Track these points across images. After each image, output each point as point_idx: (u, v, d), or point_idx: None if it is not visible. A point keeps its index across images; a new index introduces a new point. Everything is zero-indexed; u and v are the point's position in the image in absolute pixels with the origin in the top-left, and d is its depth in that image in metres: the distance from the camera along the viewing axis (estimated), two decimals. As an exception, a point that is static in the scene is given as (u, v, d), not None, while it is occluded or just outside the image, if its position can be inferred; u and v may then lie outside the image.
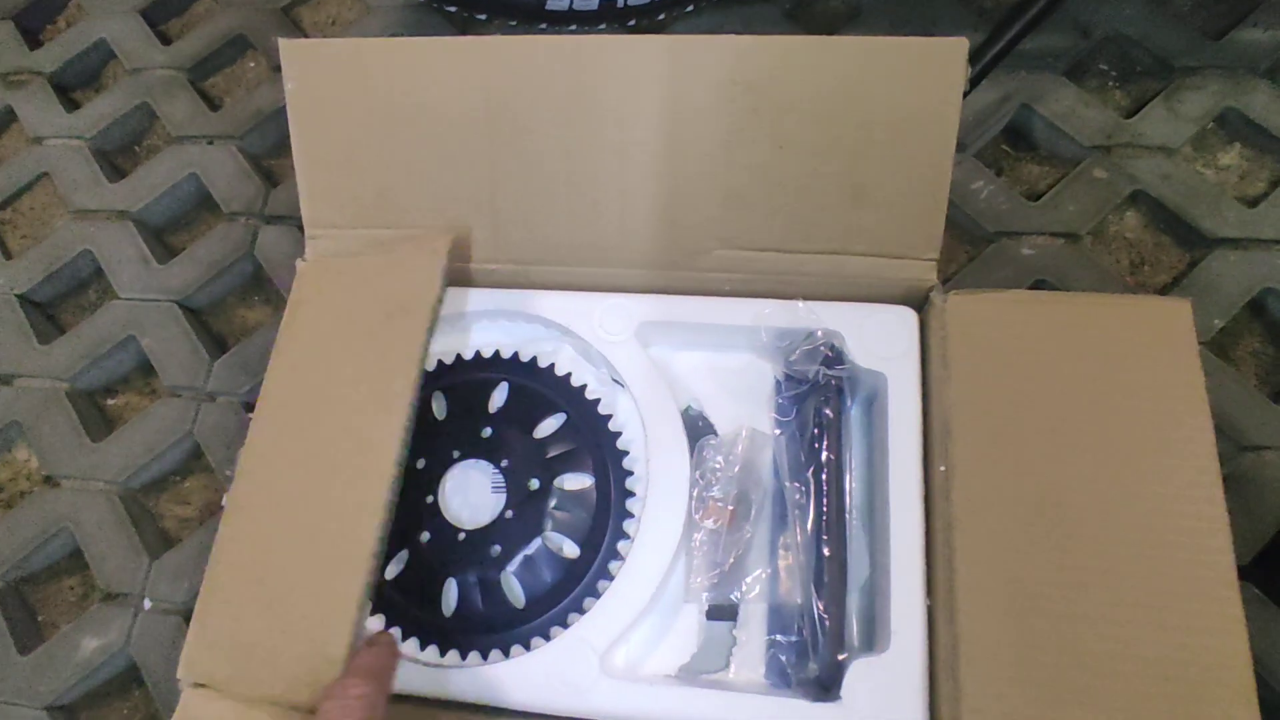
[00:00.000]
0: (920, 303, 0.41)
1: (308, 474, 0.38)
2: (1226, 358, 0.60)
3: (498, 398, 0.43)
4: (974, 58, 0.64)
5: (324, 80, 0.42)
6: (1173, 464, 0.36)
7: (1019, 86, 0.69)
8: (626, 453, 0.41)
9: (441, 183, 0.43)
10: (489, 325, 0.45)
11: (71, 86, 0.86)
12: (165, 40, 0.85)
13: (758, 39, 0.39)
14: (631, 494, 0.40)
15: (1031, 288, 0.62)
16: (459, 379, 0.44)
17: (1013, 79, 0.70)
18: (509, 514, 0.40)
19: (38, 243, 0.76)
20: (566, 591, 0.39)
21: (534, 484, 0.40)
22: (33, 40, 0.89)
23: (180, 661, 0.37)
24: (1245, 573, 0.53)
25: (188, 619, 0.59)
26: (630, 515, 0.40)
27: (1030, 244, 0.64)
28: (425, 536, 0.40)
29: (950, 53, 0.37)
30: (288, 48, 0.42)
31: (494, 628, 0.39)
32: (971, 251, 0.66)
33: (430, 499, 0.41)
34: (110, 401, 0.72)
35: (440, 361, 0.44)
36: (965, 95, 0.62)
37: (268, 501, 0.38)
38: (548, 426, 0.42)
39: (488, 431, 0.42)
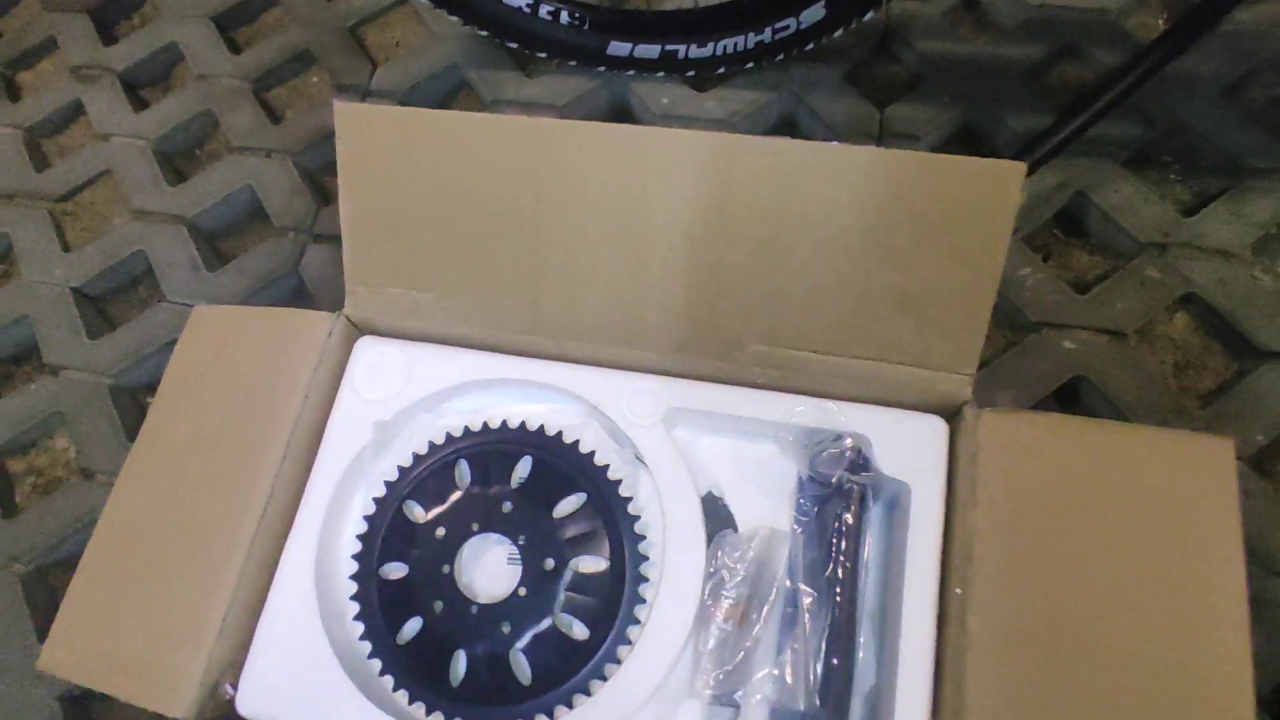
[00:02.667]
0: (952, 414, 0.41)
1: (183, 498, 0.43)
2: (1267, 476, 0.59)
3: (521, 470, 0.43)
4: (1034, 143, 0.63)
5: (376, 144, 0.43)
6: (1200, 610, 0.35)
7: (1077, 173, 0.68)
8: (644, 537, 0.41)
9: (483, 252, 0.43)
10: (520, 394, 0.46)
11: (140, 85, 0.89)
12: (234, 48, 0.87)
13: (813, 145, 0.39)
14: (646, 579, 0.40)
15: (1070, 383, 0.61)
16: (486, 447, 0.44)
17: (1071, 165, 0.69)
18: (522, 591, 0.40)
19: (95, 238, 0.78)
20: (573, 672, 0.39)
21: (549, 564, 0.41)
22: (107, 36, 0.92)
23: (45, 646, 0.42)
24: (1266, 704, 0.52)
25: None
26: (642, 601, 0.40)
27: (1073, 338, 0.63)
28: (439, 606, 0.41)
29: (1007, 175, 0.37)
30: (342, 111, 0.43)
31: (500, 702, 0.39)
32: (1011, 338, 0.65)
33: (446, 569, 0.42)
34: (148, 400, 0.74)
35: (467, 427, 0.45)
36: (1025, 179, 0.62)
37: (141, 515, 0.43)
38: (568, 505, 0.42)
39: (508, 506, 0.42)
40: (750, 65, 0.73)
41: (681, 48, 0.71)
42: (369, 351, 0.46)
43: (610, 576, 0.40)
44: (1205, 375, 0.63)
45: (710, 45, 0.70)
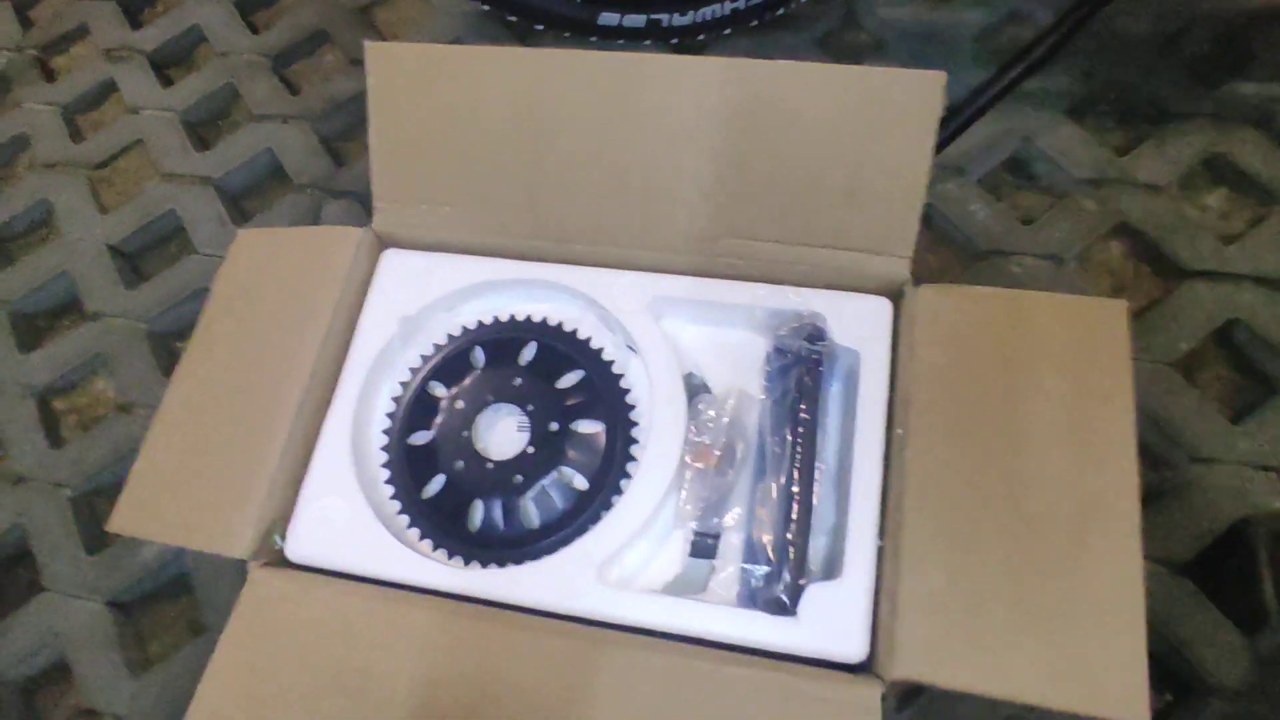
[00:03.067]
0: (896, 294, 0.48)
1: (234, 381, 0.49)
2: (1191, 380, 0.66)
3: (528, 353, 0.50)
4: (976, 93, 0.70)
5: (400, 77, 0.50)
6: (1095, 440, 0.41)
7: (1023, 121, 0.76)
8: (634, 406, 0.48)
9: (491, 168, 0.50)
10: (525, 293, 0.52)
11: (166, 64, 0.96)
12: (253, 29, 0.94)
13: (771, 63, 0.46)
14: (635, 440, 0.47)
15: (1016, 302, 0.68)
16: (496, 336, 0.51)
17: (1018, 114, 0.76)
18: (531, 449, 0.47)
19: (129, 200, 0.86)
20: (575, 517, 0.46)
21: (553, 426, 0.48)
22: (134, 20, 0.99)
23: (114, 512, 0.47)
24: (1186, 570, 0.59)
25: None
26: (633, 458, 0.47)
27: (1019, 263, 0.70)
28: (459, 464, 0.48)
29: (930, 84, 0.44)
30: (372, 49, 0.50)
31: (512, 544, 0.46)
32: (966, 266, 0.72)
33: (465, 434, 0.48)
34: (180, 344, 0.81)
35: (480, 321, 0.52)
36: (965, 129, 0.69)
37: (199, 398, 0.50)
38: (568, 380, 0.49)
39: (518, 381, 0.49)
40: (728, 31, 0.80)
41: (665, 16, 0.78)
42: (393, 260, 0.53)
43: (605, 436, 0.47)
44: (1138, 295, 0.70)
45: (691, 13, 0.78)
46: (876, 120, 0.45)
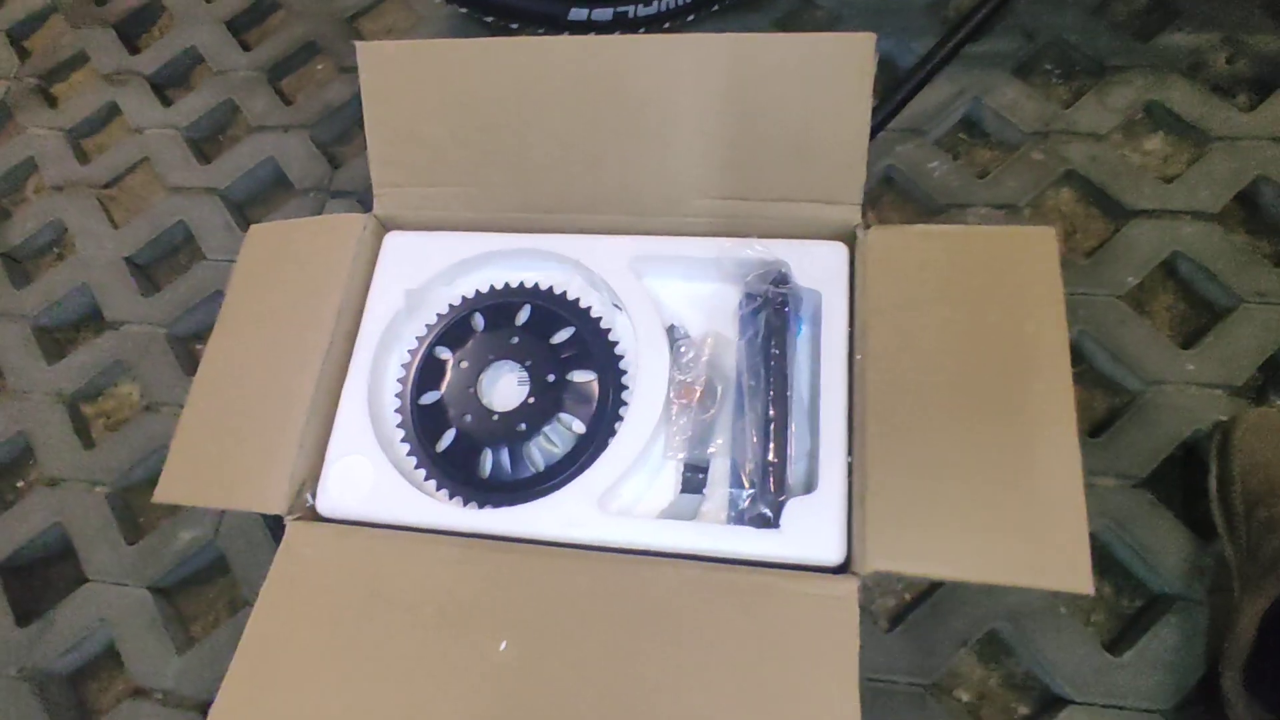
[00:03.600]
0: (850, 238, 0.53)
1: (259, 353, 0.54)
2: (1142, 310, 0.71)
3: (523, 315, 0.55)
4: (927, 57, 0.75)
5: (391, 73, 0.55)
6: (1033, 345, 0.46)
7: (972, 82, 0.81)
8: (622, 356, 0.53)
9: (481, 150, 0.55)
10: (518, 262, 0.57)
11: (166, 85, 1.01)
12: (246, 47, 1.00)
13: (723, 36, 0.51)
14: (625, 386, 0.52)
15: (974, 250, 0.73)
16: (493, 301, 0.56)
17: (968, 76, 0.81)
18: (531, 400, 0.52)
19: (139, 214, 0.91)
20: (575, 459, 0.51)
21: (550, 378, 0.53)
22: (132, 46, 1.04)
23: (159, 484, 0.52)
24: (1145, 483, 0.64)
25: (267, 516, 0.72)
26: (624, 402, 0.52)
27: (976, 214, 0.75)
28: (467, 418, 0.53)
29: (862, 45, 0.49)
30: (363, 48, 0.55)
31: (520, 486, 0.51)
32: (926, 220, 0.77)
33: (471, 390, 0.53)
34: (199, 346, 0.86)
35: (478, 290, 0.57)
36: (919, 89, 0.74)
37: (226, 377, 0.55)
38: (561, 336, 0.54)
39: (515, 340, 0.54)
40: (692, 18, 0.86)
41: (631, 8, 0.83)
42: (396, 241, 0.58)
43: (598, 383, 0.52)
44: (1089, 236, 0.75)
45: (655, 3, 0.83)
46: (817, 81, 0.50)
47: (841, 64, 0.50)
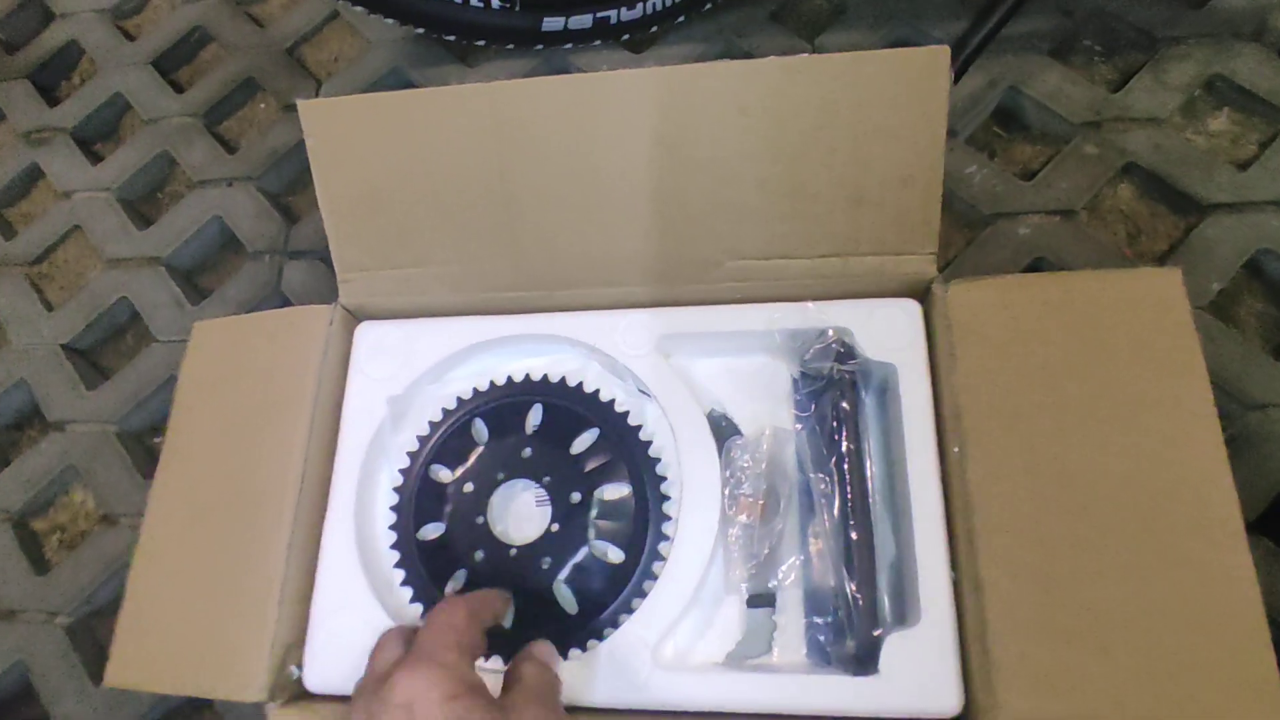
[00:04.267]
0: (923, 294, 0.44)
1: (218, 498, 0.45)
2: (1228, 320, 0.62)
3: (534, 418, 0.46)
4: (958, 46, 0.66)
5: (343, 134, 0.45)
6: (1175, 425, 0.38)
7: (1005, 70, 0.71)
8: (659, 459, 0.44)
9: (460, 220, 0.45)
10: (519, 349, 0.48)
11: (92, 140, 0.90)
12: (177, 89, 0.88)
13: (749, 63, 0.41)
14: (667, 498, 0.43)
15: (1029, 267, 0.64)
16: (495, 403, 0.46)
17: (999, 63, 0.72)
18: (555, 527, 0.43)
19: (75, 293, 0.80)
20: (615, 594, 0.41)
21: (575, 497, 0.43)
22: (50, 98, 0.93)
23: (109, 665, 0.43)
24: (1257, 526, 0.56)
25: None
26: (668, 518, 0.42)
27: (1026, 223, 0.66)
28: (479, 555, 0.43)
29: (933, 60, 0.39)
30: (306, 108, 0.45)
31: (553, 636, 0.41)
32: (969, 235, 0.68)
33: (480, 520, 0.44)
34: (157, 440, 0.75)
35: (475, 389, 0.47)
36: (953, 85, 0.65)
37: (181, 522, 0.45)
38: (583, 441, 0.45)
39: (528, 451, 0.45)
40: (681, 19, 0.75)
41: (612, 13, 0.73)
42: (369, 335, 0.48)
43: (634, 499, 0.43)
44: (1157, 238, 0.66)
45: (639, 6, 0.72)
46: (877, 109, 0.41)
47: (907, 86, 0.40)
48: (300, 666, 0.42)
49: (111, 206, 0.83)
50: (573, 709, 0.39)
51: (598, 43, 0.77)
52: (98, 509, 0.72)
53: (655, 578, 0.41)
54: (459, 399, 0.47)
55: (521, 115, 0.44)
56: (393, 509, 0.45)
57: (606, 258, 0.45)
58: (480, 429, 0.46)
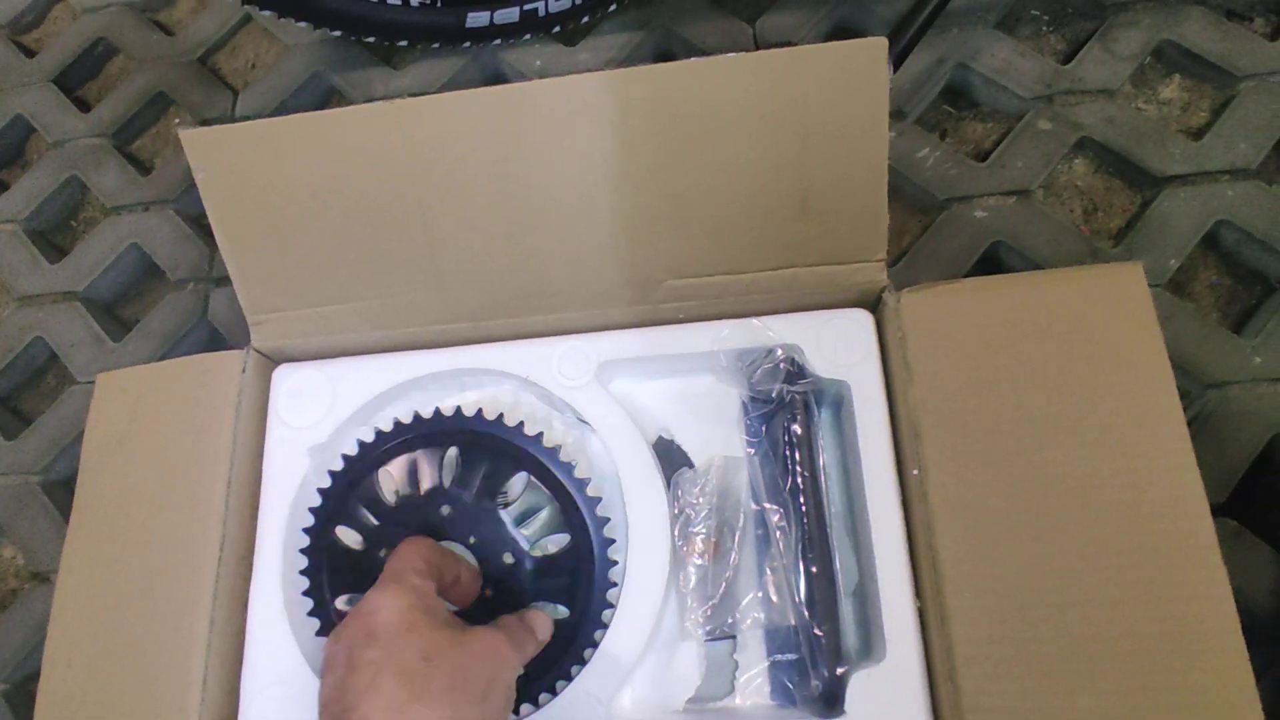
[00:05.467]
0: (874, 304, 0.41)
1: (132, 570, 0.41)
2: (1185, 295, 0.61)
3: (449, 465, 0.41)
4: (902, 24, 0.63)
5: (236, 165, 0.41)
6: (1143, 435, 0.36)
7: (952, 46, 0.69)
8: (599, 498, 0.40)
9: (377, 252, 0.42)
10: (450, 384, 0.45)
11: (-5, 167, 0.84)
12: (84, 107, 0.82)
13: (680, 64, 0.38)
14: (612, 541, 0.40)
15: (987, 251, 0.62)
16: (401, 448, 0.42)
17: (945, 39, 0.69)
18: (488, 592, 0.39)
19: (-13, 336, 0.74)
20: (564, 649, 0.39)
21: (508, 558, 0.39)
22: (-54, 123, 0.86)
23: None
24: (1223, 508, 0.54)
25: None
26: (614, 563, 0.40)
27: (982, 206, 0.64)
28: None
29: (871, 53, 0.37)
30: (190, 138, 0.41)
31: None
32: (925, 220, 0.65)
33: None
34: (87, 487, 0.71)
35: (378, 430, 0.42)
36: (897, 68, 0.62)
37: (95, 601, 0.42)
38: (512, 489, 0.41)
39: (446, 509, 0.40)
40: (614, 7, 0.71)
41: (540, 4, 0.69)
42: (288, 379, 0.45)
43: (576, 549, 0.40)
44: (1114, 214, 0.64)
45: (568, -4, 0.68)
46: (815, 108, 0.38)
47: (845, 80, 0.37)
48: (233, 748, 0.39)
49: (19, 239, 0.77)
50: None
51: (527, 36, 0.73)
52: (27, 566, 0.68)
53: (605, 626, 0.38)
54: (360, 442, 0.43)
55: (434, 134, 0.40)
56: (302, 572, 0.41)
57: (538, 283, 0.42)
58: (388, 479, 0.42)
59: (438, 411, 0.42)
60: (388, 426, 0.43)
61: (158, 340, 0.71)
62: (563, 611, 0.39)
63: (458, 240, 0.41)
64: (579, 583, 0.39)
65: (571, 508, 0.40)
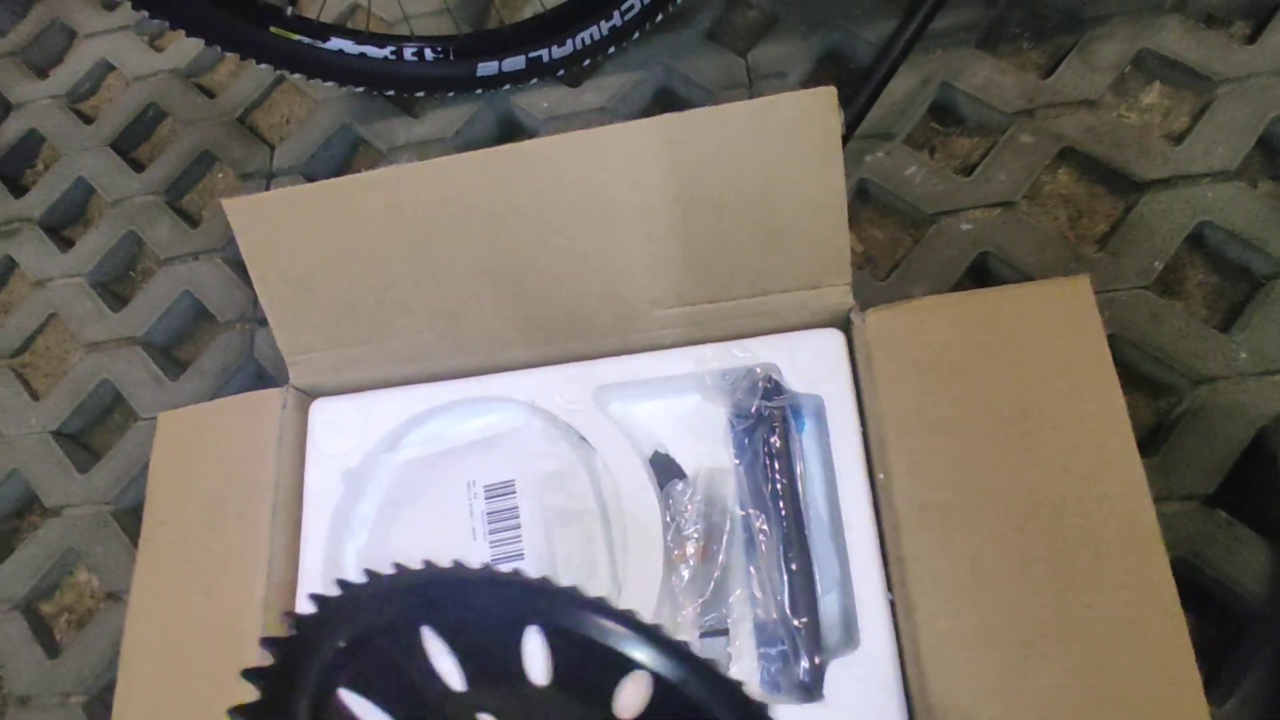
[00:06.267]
0: (845, 324, 0.45)
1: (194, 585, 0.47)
2: (1173, 294, 0.63)
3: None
4: (887, 47, 0.66)
5: (271, 227, 0.47)
6: (1091, 435, 0.39)
7: (937, 66, 0.72)
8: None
9: (392, 297, 0.47)
10: (466, 410, 0.49)
11: (61, 226, 0.92)
12: (138, 167, 0.90)
13: (652, 120, 0.42)
14: (611, 546, 0.44)
15: (975, 262, 0.65)
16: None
17: (930, 59, 0.72)
18: None
19: (58, 380, 0.82)
20: None
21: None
22: (15, 187, 0.95)
23: None
24: (1213, 499, 0.56)
25: None
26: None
27: (968, 219, 0.67)
28: None
29: (822, 101, 0.40)
30: (232, 207, 0.46)
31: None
32: (915, 235, 0.69)
33: None
34: (152, 515, 0.78)
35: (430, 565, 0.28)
36: (884, 85, 0.65)
37: (162, 619, 0.47)
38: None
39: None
40: (613, 50, 0.76)
41: (544, 51, 0.74)
42: (324, 412, 0.50)
43: (583, 550, 0.44)
44: (1098, 220, 0.66)
45: (569, 43, 0.74)
46: (776, 152, 0.42)
47: (800, 126, 0.41)
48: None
49: (85, 291, 0.85)
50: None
51: (534, 81, 0.78)
52: (102, 587, 0.75)
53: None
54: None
55: (435, 195, 0.45)
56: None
57: (536, 318, 0.47)
58: (449, 662, 0.27)
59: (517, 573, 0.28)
60: (419, 450, 0.48)
61: (210, 378, 0.78)
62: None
63: (464, 285, 0.46)
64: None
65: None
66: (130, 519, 0.76)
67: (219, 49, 0.67)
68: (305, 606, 0.26)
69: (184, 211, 0.87)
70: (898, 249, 0.69)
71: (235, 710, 0.23)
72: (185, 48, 0.94)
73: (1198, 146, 0.64)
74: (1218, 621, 0.55)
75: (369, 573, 0.27)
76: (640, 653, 0.27)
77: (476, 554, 0.46)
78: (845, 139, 0.67)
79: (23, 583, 0.76)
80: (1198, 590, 0.56)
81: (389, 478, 0.49)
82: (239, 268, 0.82)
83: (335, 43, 0.72)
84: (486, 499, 0.47)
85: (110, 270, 0.87)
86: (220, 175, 0.89)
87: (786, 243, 0.43)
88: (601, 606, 0.28)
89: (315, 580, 0.46)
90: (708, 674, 0.27)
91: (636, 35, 0.75)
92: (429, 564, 0.27)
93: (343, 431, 0.50)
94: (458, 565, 0.27)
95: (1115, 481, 0.38)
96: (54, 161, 0.94)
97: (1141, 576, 0.36)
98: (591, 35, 0.73)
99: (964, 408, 0.40)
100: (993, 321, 0.41)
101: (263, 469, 0.48)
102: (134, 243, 0.87)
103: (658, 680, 0.27)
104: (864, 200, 0.71)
